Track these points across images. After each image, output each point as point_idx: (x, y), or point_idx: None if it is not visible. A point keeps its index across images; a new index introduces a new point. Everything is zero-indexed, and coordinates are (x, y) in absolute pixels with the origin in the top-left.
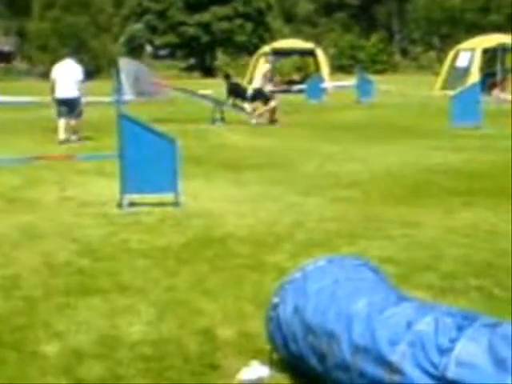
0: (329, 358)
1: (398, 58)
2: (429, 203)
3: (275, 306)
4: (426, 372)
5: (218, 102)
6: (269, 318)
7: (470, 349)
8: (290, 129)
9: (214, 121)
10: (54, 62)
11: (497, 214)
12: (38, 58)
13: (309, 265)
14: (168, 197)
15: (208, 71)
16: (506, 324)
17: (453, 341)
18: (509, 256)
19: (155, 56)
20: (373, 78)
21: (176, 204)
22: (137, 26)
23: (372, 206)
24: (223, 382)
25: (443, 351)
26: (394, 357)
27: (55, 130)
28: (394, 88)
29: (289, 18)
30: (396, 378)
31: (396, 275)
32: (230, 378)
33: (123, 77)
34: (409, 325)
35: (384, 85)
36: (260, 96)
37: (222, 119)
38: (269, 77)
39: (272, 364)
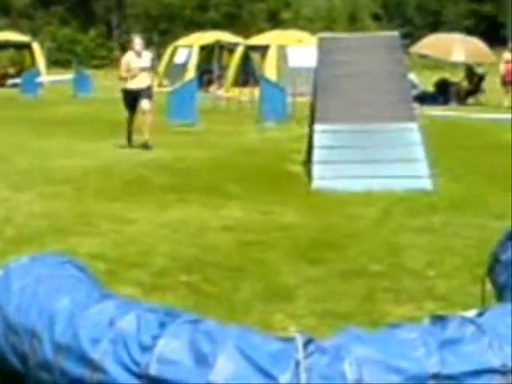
0: (30, 357)
1: (117, 53)
2: (142, 199)
3: None
4: (129, 370)
5: None
6: None
7: (172, 345)
8: (2, 123)
9: None
10: None
11: (207, 210)
12: None
13: (11, 263)
14: None
15: None
16: (209, 320)
17: (155, 338)
18: (217, 252)
19: None
20: (91, 72)
21: None
22: None
23: (84, 203)
24: None
25: (145, 348)
26: (96, 355)
27: None
28: (110, 83)
29: (5, 10)
30: (98, 376)
31: (105, 272)
32: None
33: None
34: (111, 322)
35: (102, 80)
36: None
37: None
38: None
39: None
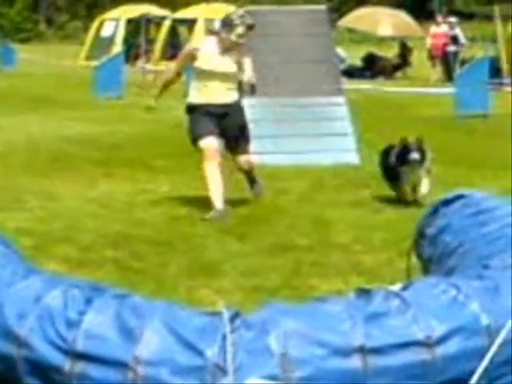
0: None
1: (43, 26)
2: (69, 175)
3: None
4: (55, 345)
5: None
6: None
7: (98, 320)
8: None
9: None
10: None
11: (135, 185)
12: None
13: None
14: None
15: None
16: (135, 295)
17: (81, 313)
18: (145, 227)
19: None
20: (16, 46)
21: None
22: None
23: (10, 178)
24: None
25: (72, 324)
26: (22, 331)
27: None
28: (36, 57)
29: None
30: (24, 352)
31: (32, 247)
32: None
33: None
34: (37, 298)
35: (27, 54)
36: None
37: None
38: None
39: None
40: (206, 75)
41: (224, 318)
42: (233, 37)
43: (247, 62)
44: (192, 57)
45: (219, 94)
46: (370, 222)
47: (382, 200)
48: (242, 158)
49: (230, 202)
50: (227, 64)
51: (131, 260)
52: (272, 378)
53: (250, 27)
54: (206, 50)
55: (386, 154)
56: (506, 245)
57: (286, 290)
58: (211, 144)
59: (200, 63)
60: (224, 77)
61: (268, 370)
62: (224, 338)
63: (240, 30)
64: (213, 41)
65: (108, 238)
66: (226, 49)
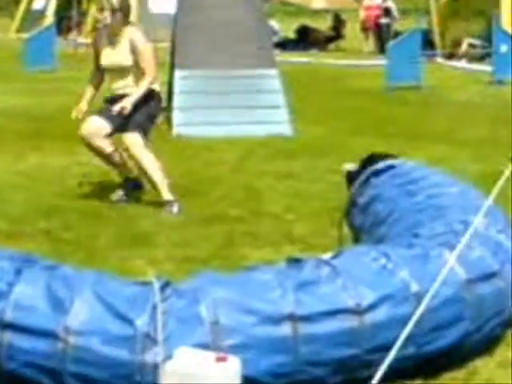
0: None
1: None
2: None
3: None
4: None
5: None
6: None
7: (28, 291)
8: None
9: None
10: None
11: (66, 157)
12: None
13: None
14: None
15: None
16: (66, 266)
17: (10, 284)
18: (76, 198)
19: None
20: None
21: None
22: None
23: None
24: None
25: (0, 295)
26: None
27: None
28: None
29: None
30: None
31: None
32: None
33: None
34: None
35: None
36: None
37: None
38: None
39: None
40: None
41: (154, 287)
42: None
43: None
44: None
45: None
46: (302, 191)
47: (314, 170)
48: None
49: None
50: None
51: (63, 231)
52: (203, 346)
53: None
54: None
55: None
56: (433, 214)
57: (217, 259)
58: None
59: None
60: None
61: (199, 338)
62: (154, 307)
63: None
64: None
65: (39, 210)
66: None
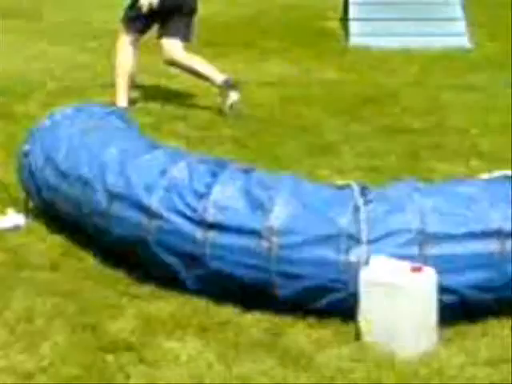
0: (84, 205)
1: None
2: None
3: (26, 154)
4: (186, 216)
5: None
6: (21, 166)
7: (227, 192)
8: None
9: None
10: None
11: (247, 65)
12: None
13: (57, 112)
14: None
15: None
16: (259, 170)
17: (208, 186)
18: (259, 107)
19: None
20: None
21: None
22: None
23: None
24: None
25: (200, 195)
26: (152, 202)
27: None
28: None
29: None
30: (156, 222)
31: (148, 124)
32: None
33: None
34: (163, 171)
35: None
36: None
37: None
38: None
39: (28, 212)
40: None
41: (354, 190)
42: None
43: None
44: None
45: None
46: (485, 106)
47: (495, 85)
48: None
49: (342, 83)
50: None
51: (249, 139)
52: (407, 254)
53: None
54: None
55: None
56: None
57: (404, 171)
58: None
59: None
60: None
61: (403, 244)
62: (356, 209)
63: None
64: None
65: (225, 117)
66: None
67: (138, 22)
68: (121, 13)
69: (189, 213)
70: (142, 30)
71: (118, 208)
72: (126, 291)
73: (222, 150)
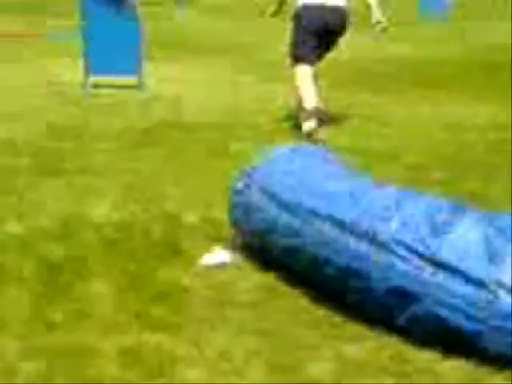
0: (307, 234)
1: None
2: (390, 89)
3: (240, 191)
4: (416, 252)
5: None
6: (233, 204)
7: (466, 236)
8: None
9: (178, 2)
10: None
11: (462, 107)
12: None
13: (273, 151)
14: (132, 79)
15: None
16: (502, 216)
17: (447, 225)
18: (470, 149)
19: None
20: None
21: (140, 87)
22: None
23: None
24: (187, 265)
25: (436, 233)
26: (384, 235)
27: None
28: None
29: None
30: (383, 256)
31: (360, 165)
32: (193, 263)
33: None
34: (399, 205)
35: None
36: None
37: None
38: None
39: (234, 249)
40: None
41: None
42: None
43: None
44: None
45: None
46: None
47: None
48: None
49: None
50: None
51: (459, 181)
52: None
53: None
54: None
55: None
56: None
57: None
58: None
59: None
60: None
61: None
62: None
63: None
64: None
65: (435, 159)
66: None
67: (307, 53)
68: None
69: (421, 249)
70: (314, 60)
71: (346, 238)
72: (326, 333)
73: (432, 192)
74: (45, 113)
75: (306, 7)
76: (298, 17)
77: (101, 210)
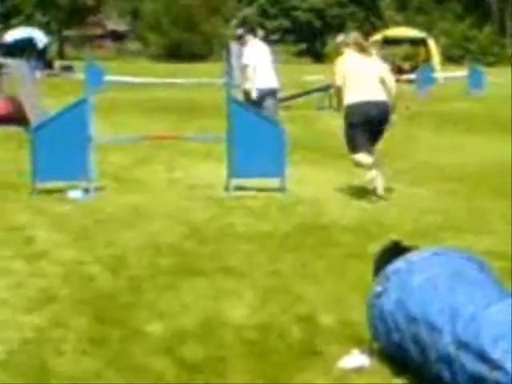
0: (430, 350)
1: (509, 50)
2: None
3: (378, 295)
4: None
5: (326, 88)
6: (371, 307)
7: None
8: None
9: (321, 107)
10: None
11: None
12: (151, 39)
13: (413, 255)
14: (274, 182)
15: (318, 56)
16: None
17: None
18: None
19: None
20: (484, 69)
21: (282, 189)
22: (249, 10)
23: (478, 200)
24: (324, 368)
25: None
26: (496, 354)
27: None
28: (505, 80)
29: (402, 5)
30: (496, 375)
31: (501, 269)
32: (330, 365)
33: (233, 61)
34: None
35: (495, 77)
36: None
37: (330, 105)
38: None
39: (372, 353)
40: None
41: None
42: None
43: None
44: None
45: None
46: None
47: None
48: None
49: None
50: None
51: None
52: None
53: None
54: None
55: None
56: None
57: None
58: None
59: None
60: None
61: None
62: None
63: None
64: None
65: None
66: None
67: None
68: None
69: None
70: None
71: (462, 356)
72: None
73: None
74: (187, 213)
75: (351, 105)
76: (346, 115)
77: (240, 312)
